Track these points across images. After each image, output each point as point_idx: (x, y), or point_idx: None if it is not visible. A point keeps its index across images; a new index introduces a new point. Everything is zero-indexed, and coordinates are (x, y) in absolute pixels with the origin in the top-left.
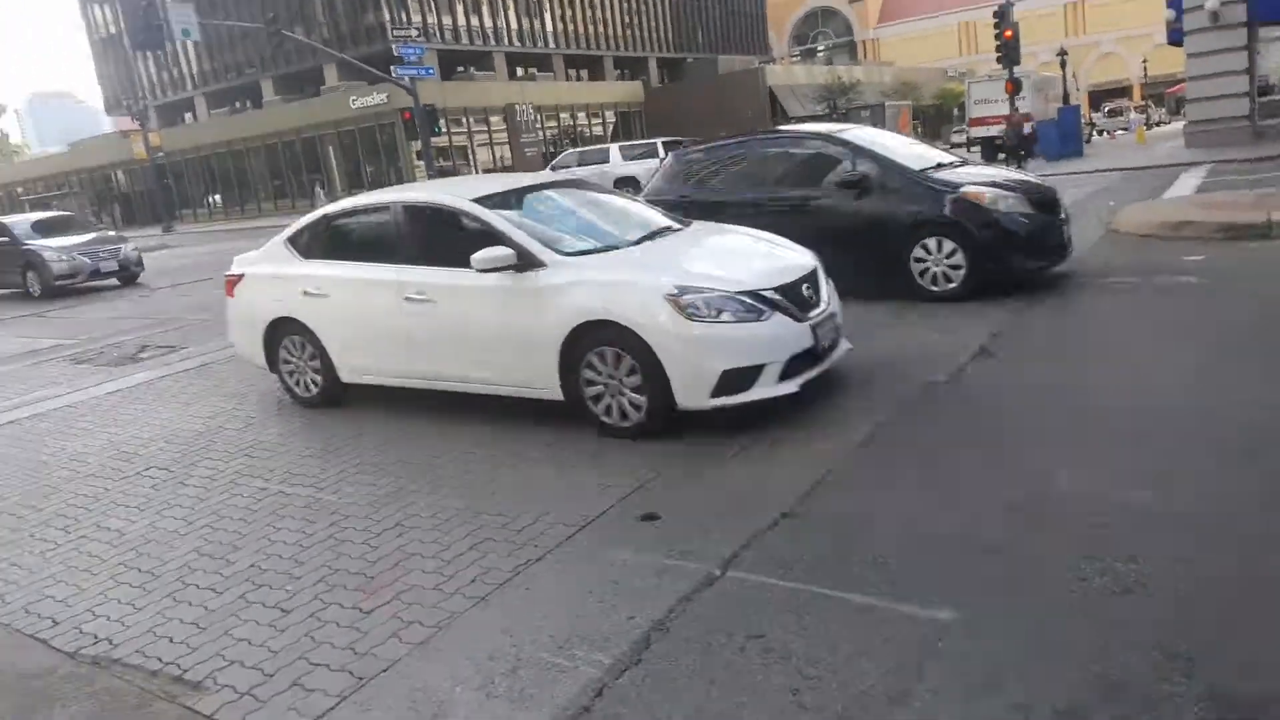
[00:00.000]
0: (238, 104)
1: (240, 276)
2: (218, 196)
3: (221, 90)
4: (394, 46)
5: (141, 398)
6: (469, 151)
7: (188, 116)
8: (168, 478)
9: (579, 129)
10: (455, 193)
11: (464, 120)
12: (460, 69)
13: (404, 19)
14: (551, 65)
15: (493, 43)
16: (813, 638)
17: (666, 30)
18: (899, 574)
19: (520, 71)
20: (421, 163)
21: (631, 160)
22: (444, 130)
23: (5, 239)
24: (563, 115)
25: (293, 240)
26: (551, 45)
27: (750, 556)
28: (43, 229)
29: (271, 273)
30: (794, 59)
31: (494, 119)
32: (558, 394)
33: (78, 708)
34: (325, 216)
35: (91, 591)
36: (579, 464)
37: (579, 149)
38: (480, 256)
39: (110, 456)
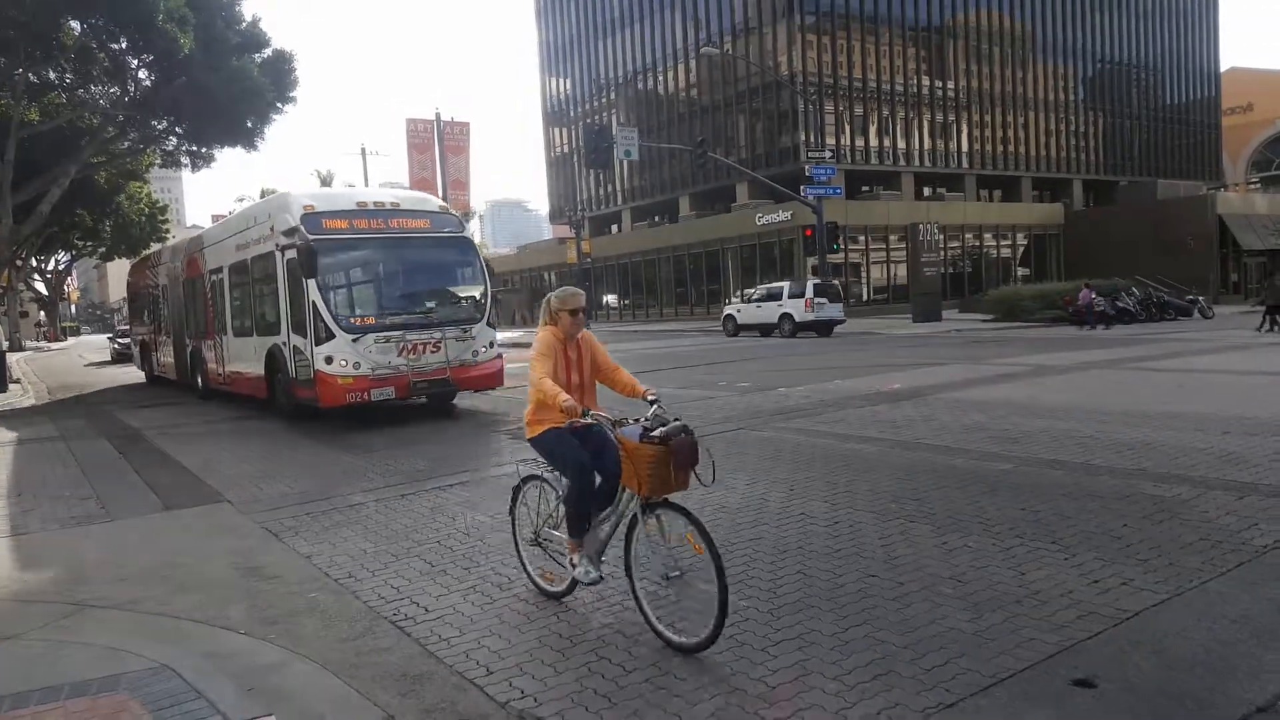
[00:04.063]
0: (656, 218)
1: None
2: (627, 300)
3: (646, 205)
4: (806, 167)
5: None
6: (862, 269)
7: (614, 228)
8: None
9: (985, 250)
10: None
11: (862, 238)
12: (865, 188)
13: (818, 141)
14: (962, 185)
15: (902, 163)
16: None
17: (1095, 151)
18: None
19: (928, 191)
20: (815, 279)
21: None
22: (841, 247)
23: None
24: (968, 235)
25: None
26: (964, 165)
27: None
28: None
29: None
30: (1253, 186)
31: (893, 237)
32: None
33: None
34: None
35: (520, 648)
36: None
37: None
38: None
39: None
